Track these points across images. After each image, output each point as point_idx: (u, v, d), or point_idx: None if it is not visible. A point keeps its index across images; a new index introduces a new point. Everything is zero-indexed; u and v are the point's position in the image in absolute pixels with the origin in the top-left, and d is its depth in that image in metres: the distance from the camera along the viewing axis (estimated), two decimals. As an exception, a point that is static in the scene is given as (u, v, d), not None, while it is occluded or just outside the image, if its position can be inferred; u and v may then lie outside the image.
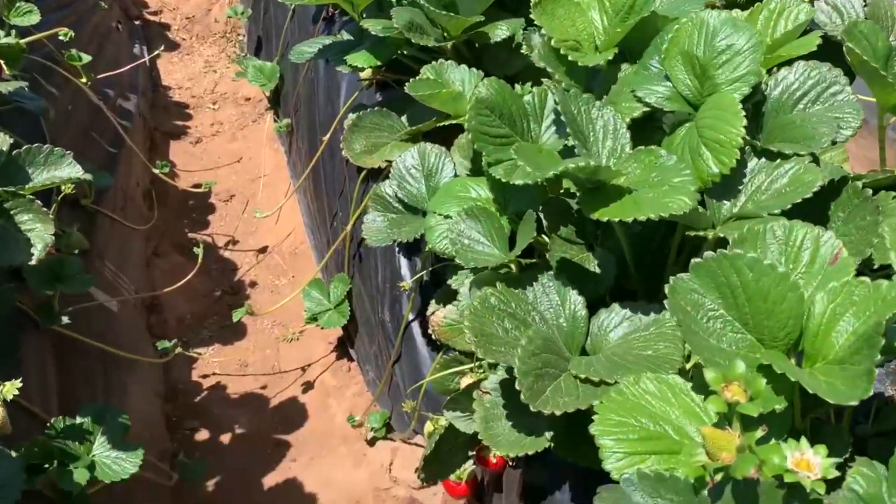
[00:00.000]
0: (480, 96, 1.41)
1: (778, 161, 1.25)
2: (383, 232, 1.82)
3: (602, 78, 1.47)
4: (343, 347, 2.83)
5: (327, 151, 2.69)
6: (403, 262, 2.21)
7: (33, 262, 1.67)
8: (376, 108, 2.03)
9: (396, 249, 2.25)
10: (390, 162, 1.92)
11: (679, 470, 0.94)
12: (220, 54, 4.60)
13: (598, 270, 1.48)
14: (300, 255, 3.33)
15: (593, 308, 1.48)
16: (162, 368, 2.74)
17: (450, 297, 1.86)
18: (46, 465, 1.66)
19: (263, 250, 3.40)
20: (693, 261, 1.01)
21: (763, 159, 1.27)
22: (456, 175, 1.81)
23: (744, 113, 1.21)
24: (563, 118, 1.25)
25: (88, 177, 1.80)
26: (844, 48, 1.50)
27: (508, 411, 1.43)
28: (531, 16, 1.44)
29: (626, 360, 1.23)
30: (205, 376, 2.86)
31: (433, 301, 1.89)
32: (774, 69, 1.41)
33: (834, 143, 1.27)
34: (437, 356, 2.01)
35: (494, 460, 1.81)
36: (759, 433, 0.80)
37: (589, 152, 1.29)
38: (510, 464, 1.79)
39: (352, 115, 2.05)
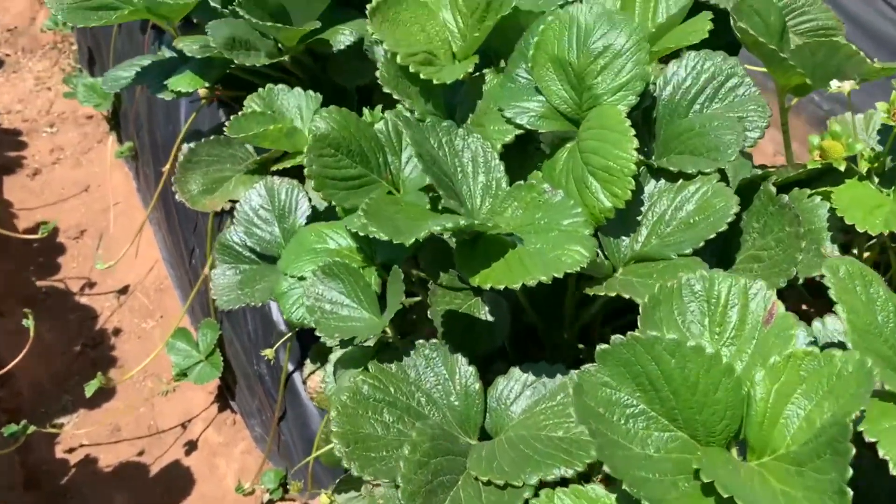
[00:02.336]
0: (319, 132, 1.14)
1: (681, 182, 1.05)
2: (235, 290, 1.53)
3: (465, 92, 1.22)
4: (224, 397, 2.53)
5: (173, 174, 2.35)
6: (274, 306, 1.93)
7: None
8: (213, 137, 1.73)
9: (265, 291, 1.96)
10: (237, 201, 1.63)
11: None
12: (53, 68, 4.09)
13: (490, 318, 1.25)
14: (166, 291, 2.98)
15: (491, 361, 1.26)
16: (16, 454, 2.37)
17: (325, 354, 1.60)
18: None
19: (125, 290, 3.02)
20: (599, 348, 0.79)
21: (662, 181, 1.06)
22: (314, 211, 1.54)
23: (633, 131, 0.99)
24: (419, 162, 1.00)
25: None
26: (734, 27, 1.31)
27: None
28: (368, 28, 1.18)
29: (534, 448, 1.00)
30: (71, 450, 2.50)
31: (308, 360, 1.63)
32: (657, 65, 1.20)
33: (742, 152, 1.07)
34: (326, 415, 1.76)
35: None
36: None
37: (458, 195, 1.05)
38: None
39: (185, 148, 1.74)
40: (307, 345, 1.80)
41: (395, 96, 1.13)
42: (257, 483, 2.18)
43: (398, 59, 1.14)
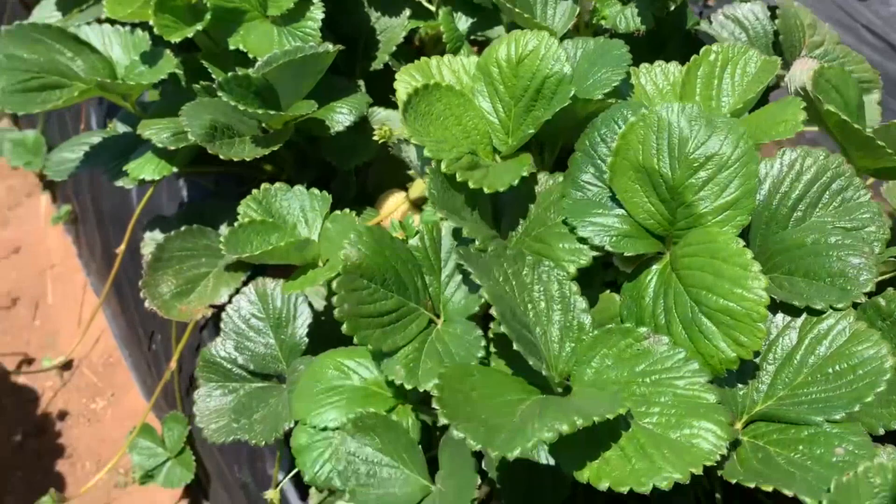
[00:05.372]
0: (351, 262, 0.92)
1: (806, 317, 0.86)
2: (226, 417, 1.29)
3: (514, 194, 1.02)
4: (195, 493, 2.26)
5: (126, 252, 2.08)
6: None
7: None
8: (184, 229, 1.47)
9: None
10: (220, 306, 1.39)
11: None
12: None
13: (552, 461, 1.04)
14: (116, 364, 2.68)
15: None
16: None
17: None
18: None
19: (69, 366, 2.71)
20: None
21: (780, 314, 0.88)
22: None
23: (757, 265, 0.80)
24: (504, 325, 0.79)
25: None
26: (816, 105, 1.14)
27: None
28: (404, 130, 0.96)
29: None
30: (18, 562, 2.20)
31: (312, 490, 1.39)
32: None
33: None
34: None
35: None
36: None
37: (538, 349, 0.84)
38: None
39: (150, 243, 1.48)
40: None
41: (442, 216, 0.91)
42: None
43: (443, 167, 0.93)
